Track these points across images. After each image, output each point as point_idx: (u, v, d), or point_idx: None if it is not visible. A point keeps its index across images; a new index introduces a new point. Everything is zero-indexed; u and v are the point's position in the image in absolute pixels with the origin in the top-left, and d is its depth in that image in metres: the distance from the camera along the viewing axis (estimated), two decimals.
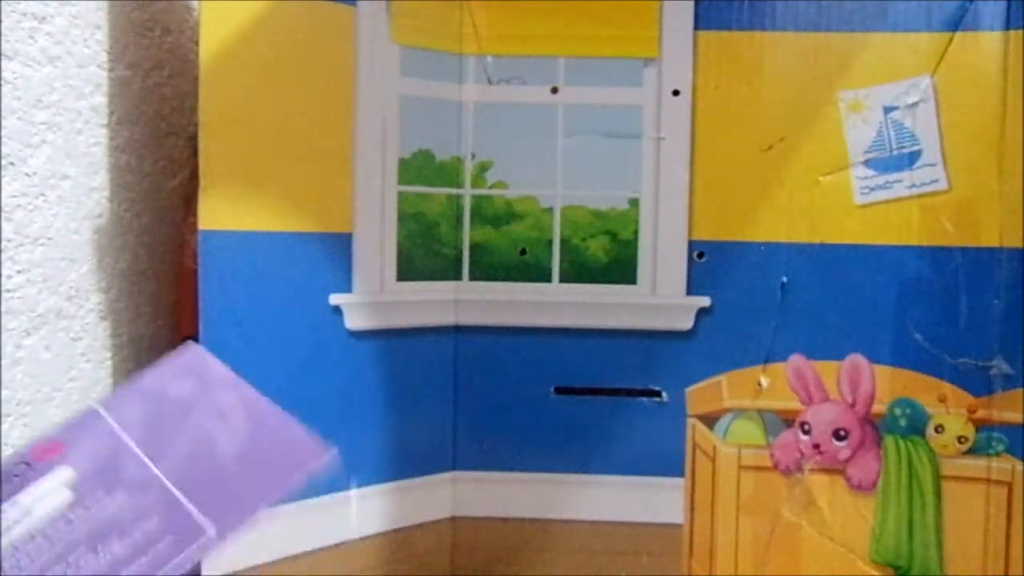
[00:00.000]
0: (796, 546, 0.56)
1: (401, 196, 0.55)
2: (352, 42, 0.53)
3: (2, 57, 0.44)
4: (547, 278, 0.57)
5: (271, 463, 0.33)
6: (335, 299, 0.53)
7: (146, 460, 0.32)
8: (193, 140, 0.54)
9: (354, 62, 0.53)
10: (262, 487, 0.33)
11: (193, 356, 0.36)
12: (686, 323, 0.56)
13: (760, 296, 0.55)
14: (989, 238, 0.54)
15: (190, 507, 0.31)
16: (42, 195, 0.47)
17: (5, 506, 0.31)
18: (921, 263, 0.55)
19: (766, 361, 0.56)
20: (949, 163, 0.54)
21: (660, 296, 0.56)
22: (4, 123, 0.44)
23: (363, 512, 0.54)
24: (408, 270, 0.56)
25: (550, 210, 0.57)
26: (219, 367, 0.36)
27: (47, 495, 0.31)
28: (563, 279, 0.57)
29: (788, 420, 0.56)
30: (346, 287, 0.53)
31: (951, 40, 0.54)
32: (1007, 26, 0.53)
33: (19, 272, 0.46)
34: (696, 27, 0.55)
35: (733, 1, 0.55)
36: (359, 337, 0.54)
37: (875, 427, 0.55)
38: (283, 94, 0.51)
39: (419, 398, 0.56)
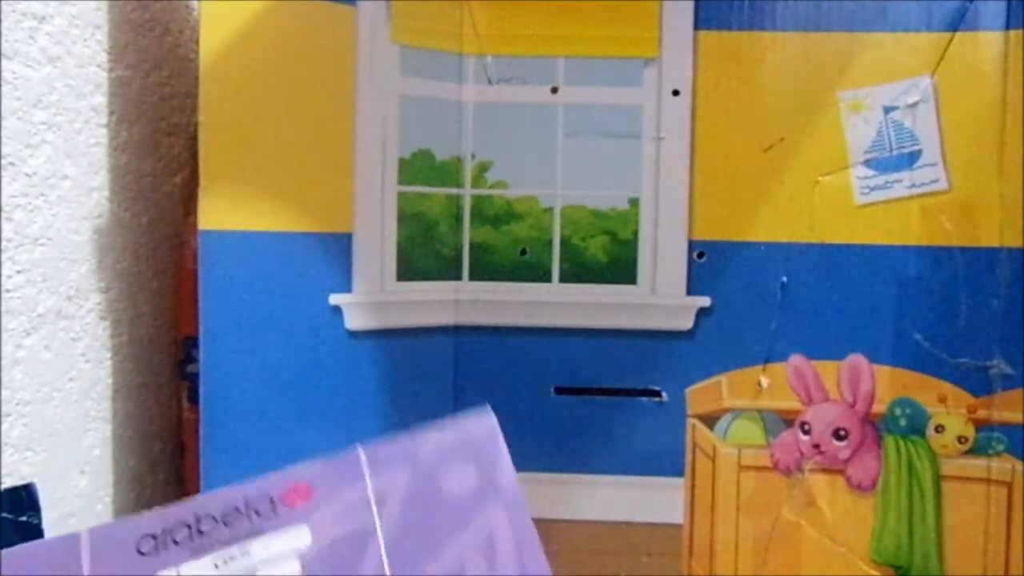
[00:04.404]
0: (796, 546, 0.56)
1: (401, 196, 0.55)
2: (352, 42, 0.53)
3: (2, 57, 0.44)
4: (547, 278, 0.57)
5: None
6: (335, 299, 0.53)
7: (387, 571, 0.27)
8: (193, 140, 0.54)
9: (354, 62, 0.53)
10: None
11: (486, 436, 0.30)
12: (686, 323, 0.56)
13: (760, 296, 0.55)
14: (989, 238, 0.54)
15: None
16: (42, 195, 0.47)
17: (236, 549, 0.27)
18: (921, 263, 0.55)
19: (766, 361, 0.56)
20: (949, 163, 0.54)
21: (660, 296, 0.56)
22: (4, 123, 0.44)
23: None
24: (408, 270, 0.56)
25: (550, 210, 0.57)
26: (507, 469, 0.29)
27: (279, 559, 0.27)
28: (563, 279, 0.57)
29: (788, 420, 0.56)
30: (346, 287, 0.53)
31: (951, 40, 0.54)
32: (1007, 26, 0.53)
33: (19, 272, 0.46)
34: (696, 27, 0.55)
35: (733, 1, 0.55)
36: (359, 337, 0.54)
37: (875, 427, 0.55)
38: (283, 94, 0.51)
39: (419, 398, 0.56)
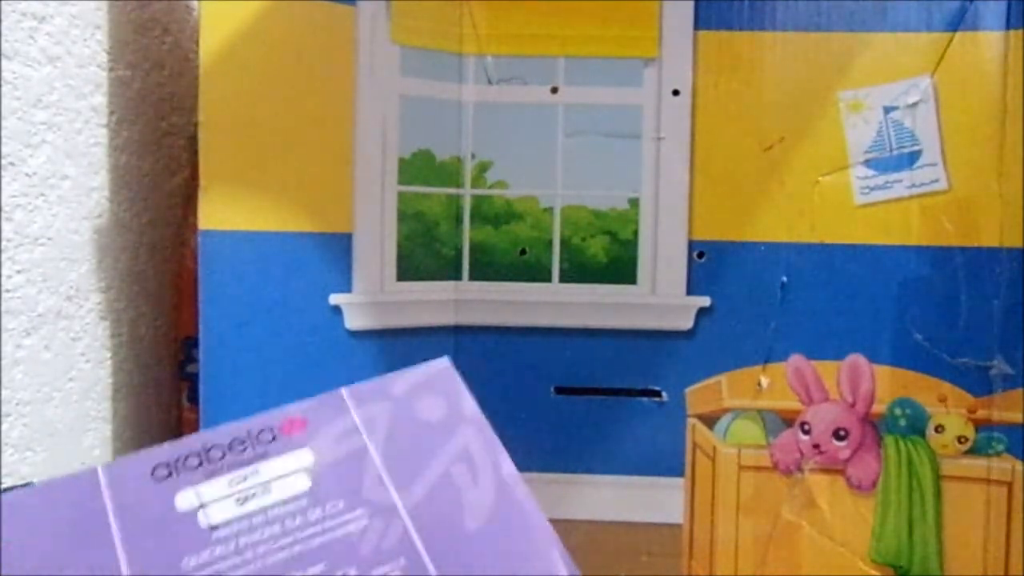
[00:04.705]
0: (796, 546, 0.56)
1: (401, 196, 0.55)
2: (352, 42, 0.53)
3: (2, 57, 0.44)
4: (547, 278, 0.57)
5: (509, 551, 0.30)
6: (335, 299, 0.53)
7: (389, 484, 0.30)
8: (193, 140, 0.54)
9: (354, 62, 0.53)
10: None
11: (445, 375, 0.34)
12: (686, 323, 0.56)
13: (760, 296, 0.55)
14: (989, 238, 0.54)
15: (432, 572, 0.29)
16: (42, 195, 0.47)
17: (247, 472, 0.30)
18: (921, 263, 0.55)
19: (766, 361, 0.56)
20: (949, 163, 0.54)
21: (660, 296, 0.56)
22: (4, 123, 0.44)
23: None
24: (408, 270, 0.56)
25: (550, 210, 0.57)
26: (469, 399, 0.34)
27: (288, 475, 0.30)
28: (563, 279, 0.57)
29: (788, 420, 0.56)
30: (346, 287, 0.53)
31: (951, 40, 0.54)
32: (1007, 26, 0.53)
33: (19, 272, 0.46)
34: (696, 27, 0.55)
35: (733, 1, 0.55)
36: (359, 337, 0.54)
37: (875, 427, 0.55)
38: (283, 94, 0.51)
39: None
